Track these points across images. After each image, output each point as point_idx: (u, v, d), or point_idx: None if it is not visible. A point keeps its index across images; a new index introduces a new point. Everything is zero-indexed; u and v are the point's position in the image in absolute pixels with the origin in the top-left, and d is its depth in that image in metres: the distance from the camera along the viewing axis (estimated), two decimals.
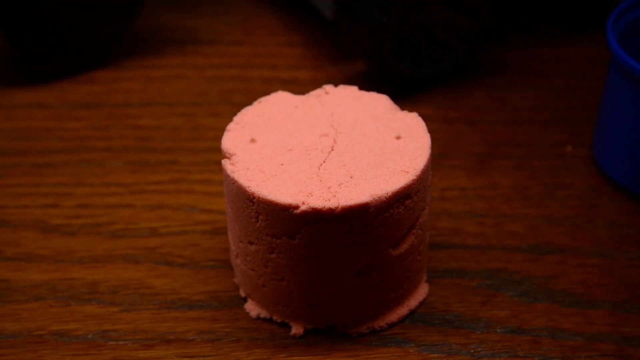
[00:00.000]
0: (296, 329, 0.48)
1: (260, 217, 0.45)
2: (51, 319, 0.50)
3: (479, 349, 0.48)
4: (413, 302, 0.50)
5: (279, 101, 0.50)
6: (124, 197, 0.58)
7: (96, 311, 0.50)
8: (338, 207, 0.44)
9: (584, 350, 0.48)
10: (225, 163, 0.47)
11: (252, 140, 0.48)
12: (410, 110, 0.49)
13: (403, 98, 0.63)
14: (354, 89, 0.51)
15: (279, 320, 0.49)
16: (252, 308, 0.50)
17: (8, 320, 0.50)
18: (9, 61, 0.70)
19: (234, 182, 0.46)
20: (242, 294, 0.51)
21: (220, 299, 0.51)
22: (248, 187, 0.45)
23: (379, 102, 0.50)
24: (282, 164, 0.46)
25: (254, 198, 0.45)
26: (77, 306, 0.51)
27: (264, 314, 0.49)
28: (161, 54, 0.71)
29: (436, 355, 0.48)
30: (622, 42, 0.56)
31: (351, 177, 0.45)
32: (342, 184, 0.45)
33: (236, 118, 0.49)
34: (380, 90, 0.52)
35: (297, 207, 0.44)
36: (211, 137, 0.62)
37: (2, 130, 0.64)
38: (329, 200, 0.44)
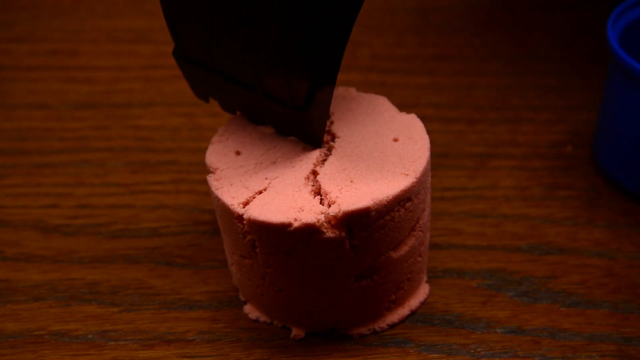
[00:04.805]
0: (297, 332, 0.48)
1: (251, 236, 0.44)
2: (51, 319, 0.50)
3: (479, 349, 0.48)
4: (414, 302, 0.50)
5: None
6: (124, 197, 0.58)
7: (96, 311, 0.50)
8: (339, 212, 0.43)
9: (584, 350, 0.48)
10: (210, 179, 0.46)
11: (237, 153, 0.47)
12: (410, 112, 0.49)
13: (403, 98, 0.63)
14: (352, 91, 0.51)
15: (280, 326, 0.49)
16: (251, 310, 0.50)
17: (8, 320, 0.50)
18: (11, 60, 0.70)
19: (218, 199, 0.45)
20: (242, 297, 0.50)
21: (220, 299, 0.51)
22: (231, 205, 0.44)
23: (377, 104, 0.50)
24: (266, 178, 0.45)
25: (243, 219, 0.44)
26: (77, 306, 0.51)
27: (263, 318, 0.49)
28: (161, 54, 0.71)
29: (436, 355, 0.48)
30: (622, 42, 0.56)
31: (351, 182, 0.44)
32: (342, 188, 0.44)
33: (221, 130, 0.49)
34: (378, 92, 0.52)
35: (289, 225, 0.43)
36: (211, 137, 0.62)
37: (2, 130, 0.64)
38: (321, 212, 0.43)
